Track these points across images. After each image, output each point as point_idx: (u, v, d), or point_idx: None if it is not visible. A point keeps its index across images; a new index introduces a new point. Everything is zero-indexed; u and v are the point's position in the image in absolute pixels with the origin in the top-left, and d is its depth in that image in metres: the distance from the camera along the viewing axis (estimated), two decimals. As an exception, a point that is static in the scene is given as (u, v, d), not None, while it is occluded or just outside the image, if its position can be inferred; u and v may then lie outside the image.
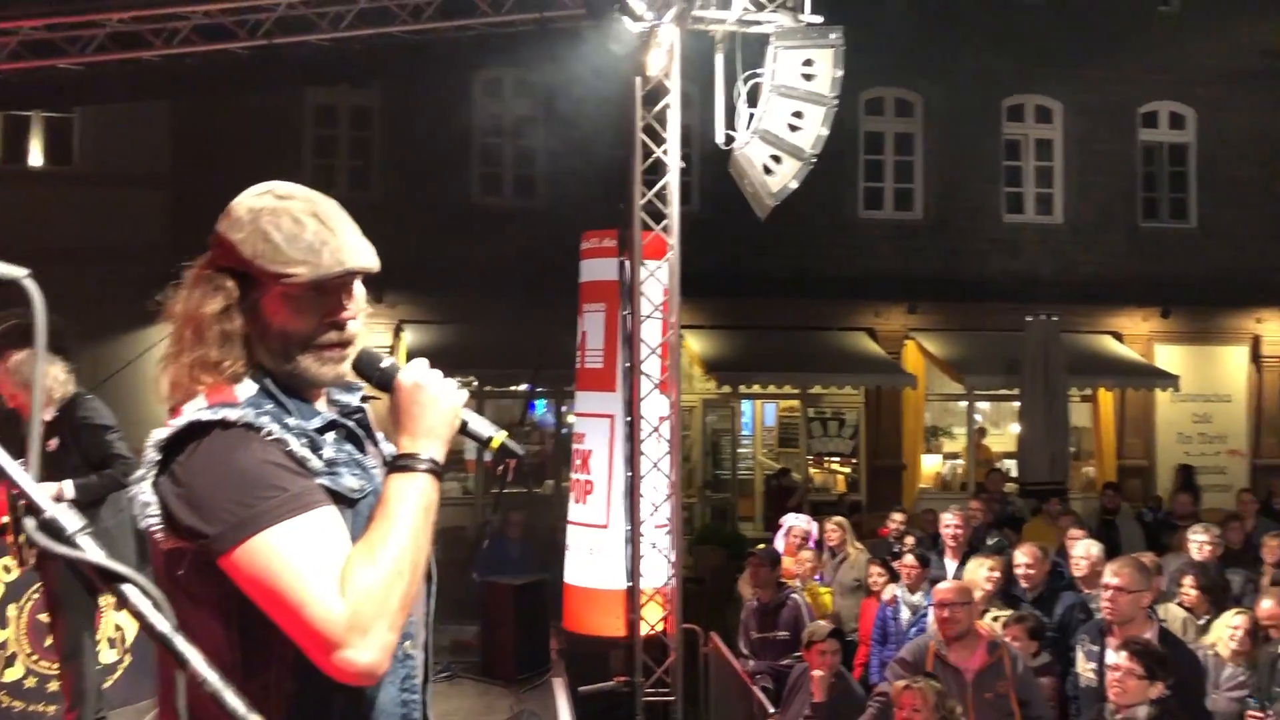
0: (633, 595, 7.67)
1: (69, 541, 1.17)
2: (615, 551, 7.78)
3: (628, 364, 7.81)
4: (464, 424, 1.91)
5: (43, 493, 1.18)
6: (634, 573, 7.66)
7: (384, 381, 1.91)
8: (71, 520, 1.18)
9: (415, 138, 14.18)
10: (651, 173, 7.86)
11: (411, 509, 1.74)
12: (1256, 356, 16.44)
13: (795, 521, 9.11)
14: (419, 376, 1.87)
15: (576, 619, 8.09)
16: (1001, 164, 15.96)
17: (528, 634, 8.14)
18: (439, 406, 1.86)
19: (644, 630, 7.64)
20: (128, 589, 1.15)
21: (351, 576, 1.64)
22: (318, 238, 1.81)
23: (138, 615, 1.14)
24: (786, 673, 7.03)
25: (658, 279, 7.84)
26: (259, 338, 1.84)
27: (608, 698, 7.68)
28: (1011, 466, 14.71)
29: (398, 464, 1.80)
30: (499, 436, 1.95)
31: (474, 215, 14.41)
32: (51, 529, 1.16)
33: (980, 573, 6.52)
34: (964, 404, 16.25)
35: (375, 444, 2.00)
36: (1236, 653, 5.68)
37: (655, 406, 7.80)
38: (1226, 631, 5.77)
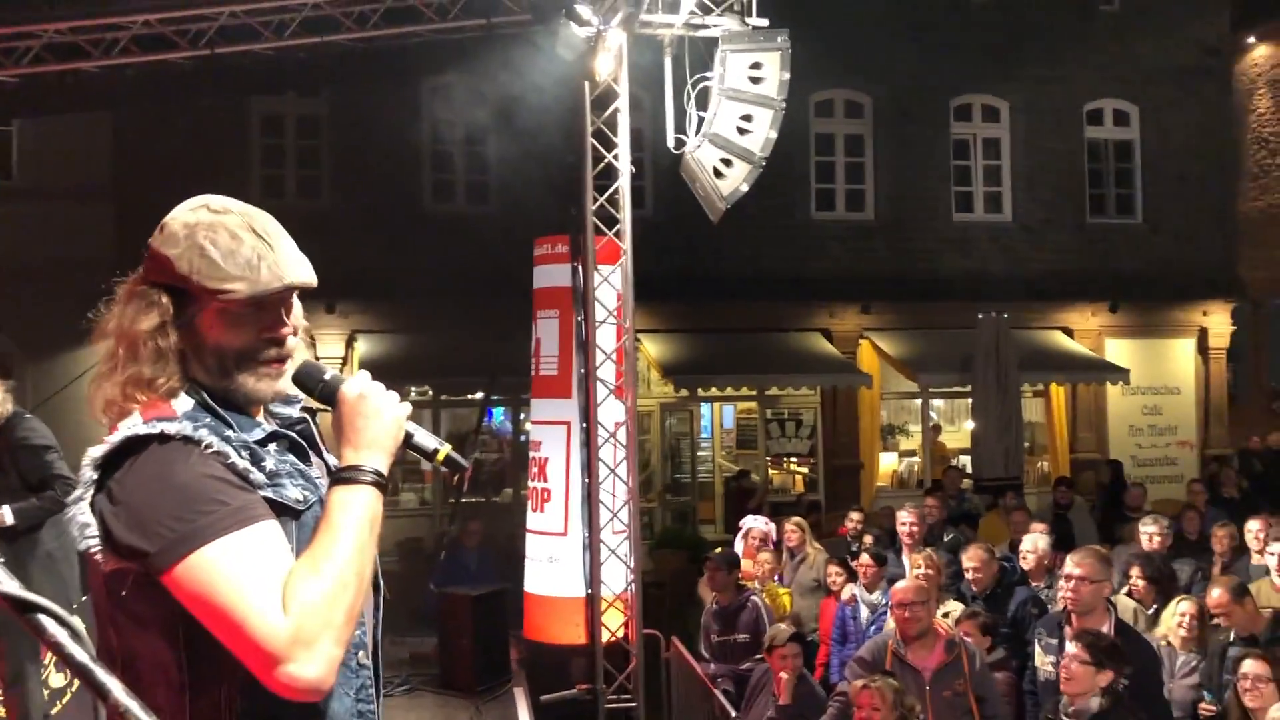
0: (593, 602, 7.63)
1: None
2: (574, 559, 7.74)
3: (583, 370, 7.78)
4: (408, 436, 1.89)
5: None
6: (594, 580, 7.63)
7: (327, 394, 1.88)
8: None
9: (364, 145, 14.05)
10: (603, 177, 7.84)
11: (355, 520, 1.71)
12: (1203, 348, 16.70)
13: (753, 524, 9.12)
14: (363, 388, 1.84)
15: (537, 628, 8.05)
16: (951, 163, 16.11)
17: (487, 644, 8.07)
18: (382, 418, 1.83)
19: (605, 637, 7.61)
20: (43, 619, 1.10)
21: (294, 590, 1.61)
22: (255, 253, 1.79)
23: (54, 647, 1.10)
24: (747, 676, 7.03)
25: (611, 284, 7.82)
26: (194, 354, 1.81)
27: (570, 706, 7.64)
28: (967, 463, 14.84)
29: (341, 476, 1.77)
30: (444, 449, 1.92)
31: (426, 223, 14.30)
32: None
33: (916, 572, 6.58)
34: (919, 402, 16.37)
35: (320, 455, 1.97)
36: (1186, 640, 5.76)
37: (611, 412, 7.77)
38: (1175, 619, 5.85)
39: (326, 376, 1.90)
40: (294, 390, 1.91)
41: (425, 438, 1.91)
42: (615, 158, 7.80)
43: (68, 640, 1.11)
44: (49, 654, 6.09)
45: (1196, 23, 16.68)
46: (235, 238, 1.78)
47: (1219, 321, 16.70)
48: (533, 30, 8.13)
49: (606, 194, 7.79)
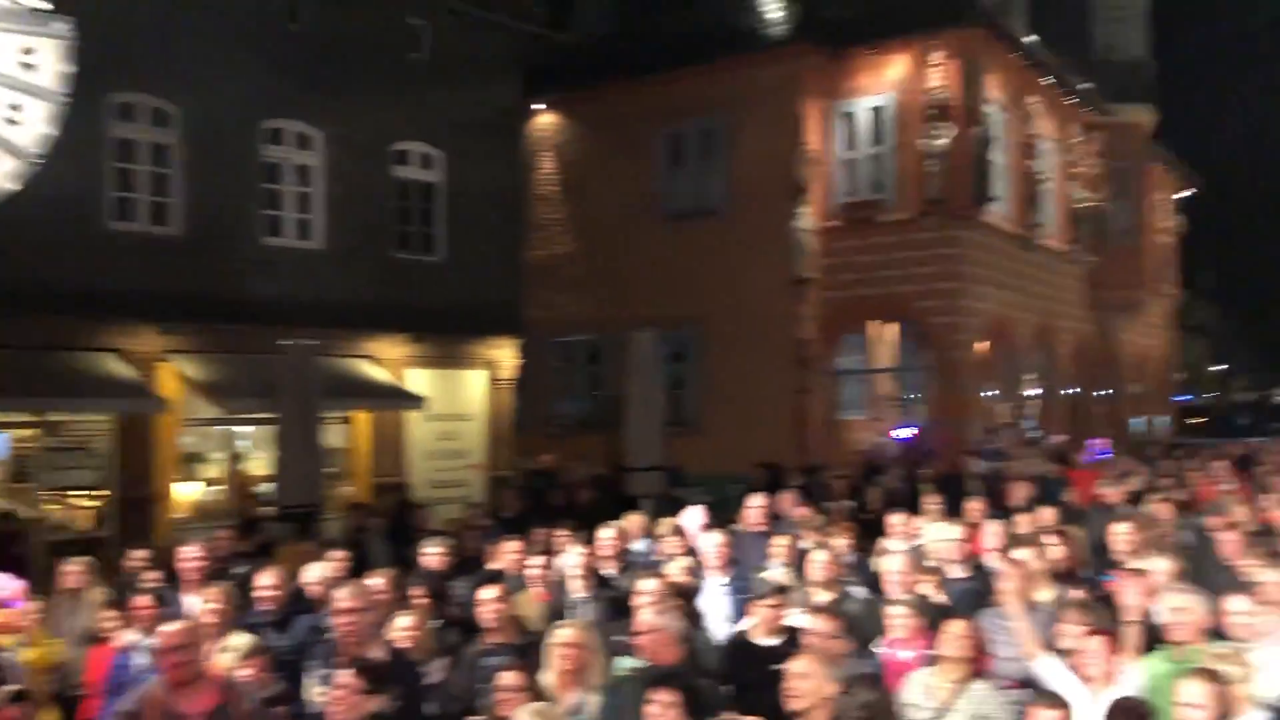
0: None
1: None
2: None
3: None
4: None
5: None
6: None
7: None
8: None
9: None
10: None
11: None
12: (493, 379, 18.34)
13: None
14: None
15: None
16: (262, 186, 15.83)
17: None
18: None
19: None
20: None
21: None
22: None
23: None
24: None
25: None
26: None
27: None
28: (271, 491, 14.58)
29: None
30: None
31: None
32: None
33: (205, 607, 6.34)
34: (224, 429, 15.77)
35: None
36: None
37: None
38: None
39: None
40: None
41: None
42: None
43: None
44: None
45: (495, 83, 18.35)
46: None
47: (507, 355, 18.45)
48: None
49: None
